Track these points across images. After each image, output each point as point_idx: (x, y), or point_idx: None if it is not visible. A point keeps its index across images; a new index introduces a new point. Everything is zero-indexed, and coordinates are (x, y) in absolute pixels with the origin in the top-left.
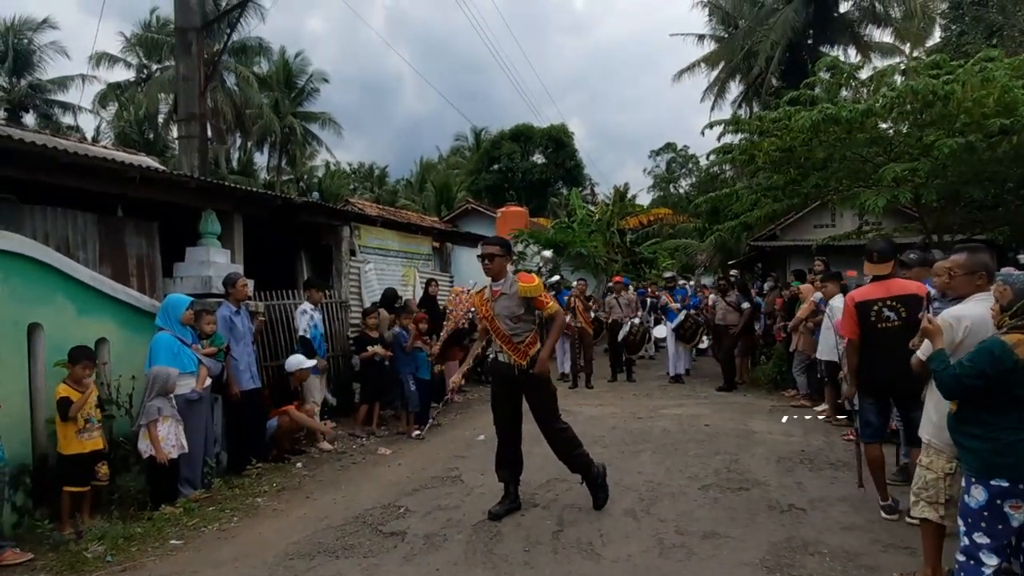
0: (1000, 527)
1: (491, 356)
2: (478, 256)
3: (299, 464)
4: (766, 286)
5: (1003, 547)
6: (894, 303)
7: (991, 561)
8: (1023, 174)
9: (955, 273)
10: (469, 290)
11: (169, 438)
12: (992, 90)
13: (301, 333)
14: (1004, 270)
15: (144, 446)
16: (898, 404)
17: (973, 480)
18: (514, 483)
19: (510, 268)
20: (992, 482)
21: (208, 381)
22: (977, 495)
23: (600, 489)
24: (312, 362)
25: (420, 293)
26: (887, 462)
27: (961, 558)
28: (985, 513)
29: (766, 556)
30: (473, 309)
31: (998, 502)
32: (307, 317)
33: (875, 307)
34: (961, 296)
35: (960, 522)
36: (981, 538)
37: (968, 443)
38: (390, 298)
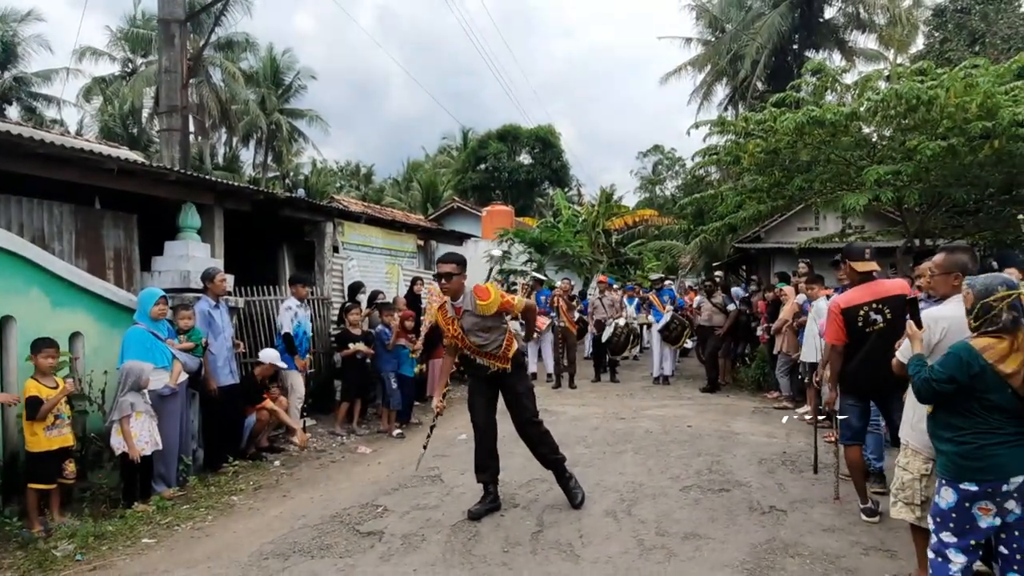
0: (967, 527)
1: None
2: (434, 276)
3: (277, 462)
4: (738, 290)
5: (971, 547)
6: (879, 305)
7: (958, 559)
8: (1004, 178)
9: (933, 273)
10: None
11: (142, 434)
12: (975, 95)
13: (286, 330)
14: (1007, 273)
15: (117, 442)
16: (882, 407)
17: (944, 482)
18: (493, 483)
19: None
20: (961, 485)
21: (184, 377)
22: (947, 496)
23: (575, 487)
24: (282, 363)
25: (404, 290)
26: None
27: (931, 555)
28: (954, 514)
29: (746, 558)
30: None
31: (966, 504)
32: (291, 313)
33: (861, 311)
34: (943, 296)
35: (930, 521)
36: (949, 537)
37: (941, 446)
38: (356, 291)
